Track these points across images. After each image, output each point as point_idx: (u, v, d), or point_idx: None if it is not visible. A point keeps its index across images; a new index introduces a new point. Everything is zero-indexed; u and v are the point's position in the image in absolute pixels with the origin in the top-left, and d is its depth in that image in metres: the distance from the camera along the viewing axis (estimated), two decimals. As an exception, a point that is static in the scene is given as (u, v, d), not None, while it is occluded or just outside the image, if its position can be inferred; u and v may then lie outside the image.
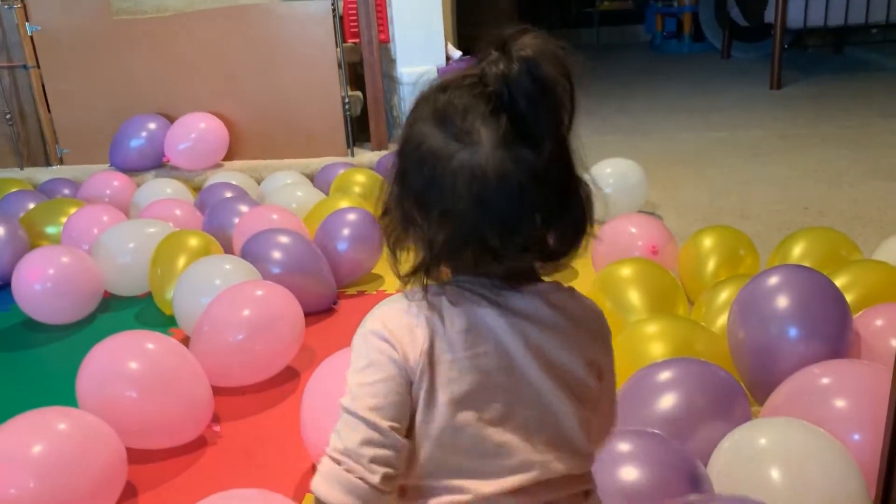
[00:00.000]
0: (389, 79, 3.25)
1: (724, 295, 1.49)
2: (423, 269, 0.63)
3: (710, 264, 1.75)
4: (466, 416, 0.63)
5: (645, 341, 1.34)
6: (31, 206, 2.59)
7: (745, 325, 1.32)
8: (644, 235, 1.87)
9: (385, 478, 0.62)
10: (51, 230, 2.43)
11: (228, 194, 2.52)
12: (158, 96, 3.10)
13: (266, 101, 3.03)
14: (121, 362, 1.37)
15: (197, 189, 2.78)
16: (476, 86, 0.60)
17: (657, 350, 1.30)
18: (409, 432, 0.63)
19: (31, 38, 3.09)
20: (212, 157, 3.05)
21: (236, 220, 2.22)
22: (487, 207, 0.59)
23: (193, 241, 2.02)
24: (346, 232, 2.07)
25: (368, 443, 0.62)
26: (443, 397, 0.62)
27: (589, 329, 0.68)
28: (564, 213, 0.62)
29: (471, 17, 5.18)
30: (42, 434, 1.18)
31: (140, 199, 2.61)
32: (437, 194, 0.60)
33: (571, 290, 0.69)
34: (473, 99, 0.60)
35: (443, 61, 3.12)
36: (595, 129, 4.04)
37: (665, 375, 1.14)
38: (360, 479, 0.61)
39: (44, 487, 1.14)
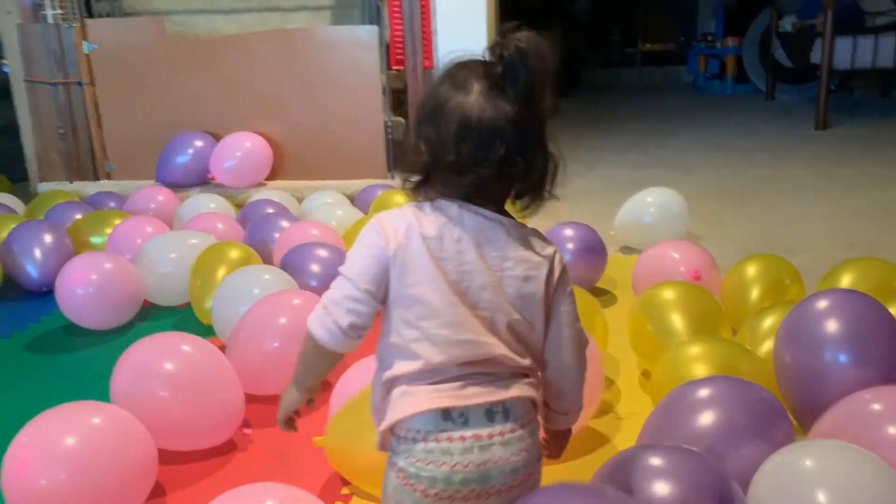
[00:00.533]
0: (432, 105, 3.28)
1: (770, 321, 1.45)
2: (421, 185, 0.86)
3: (755, 292, 1.71)
4: (425, 292, 0.82)
5: (688, 363, 1.31)
6: (78, 216, 2.65)
7: (793, 349, 1.28)
8: (686, 261, 1.84)
9: (352, 325, 0.83)
10: (95, 240, 2.48)
11: (270, 210, 2.55)
12: (206, 115, 3.17)
13: (310, 123, 3.07)
14: (156, 362, 1.38)
15: (239, 206, 2.82)
16: (480, 62, 0.84)
17: (700, 372, 1.27)
18: (385, 299, 0.84)
19: (88, 56, 3.19)
20: (255, 176, 3.10)
21: (277, 235, 2.24)
22: (467, 131, 0.81)
23: (234, 253, 2.04)
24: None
25: (348, 297, 0.84)
26: (411, 277, 0.82)
27: (532, 254, 0.86)
28: (528, 163, 0.83)
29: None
30: (76, 427, 1.18)
31: (184, 212, 2.65)
32: (435, 125, 0.83)
33: (524, 227, 0.87)
34: (476, 69, 0.84)
35: (486, 89, 3.14)
36: (636, 164, 4.03)
37: (704, 392, 1.11)
38: (334, 321, 0.83)
39: (75, 480, 1.13)
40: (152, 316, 2.15)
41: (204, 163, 3.07)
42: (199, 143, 3.10)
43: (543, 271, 0.86)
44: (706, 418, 1.07)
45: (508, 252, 0.84)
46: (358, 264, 0.84)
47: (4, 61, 3.61)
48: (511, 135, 0.81)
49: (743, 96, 6.82)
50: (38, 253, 2.29)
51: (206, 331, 1.92)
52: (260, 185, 3.12)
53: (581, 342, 0.90)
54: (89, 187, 3.19)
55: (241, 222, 2.53)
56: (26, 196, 3.26)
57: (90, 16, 3.35)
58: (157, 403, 1.34)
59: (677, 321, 1.52)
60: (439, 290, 0.82)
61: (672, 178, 3.46)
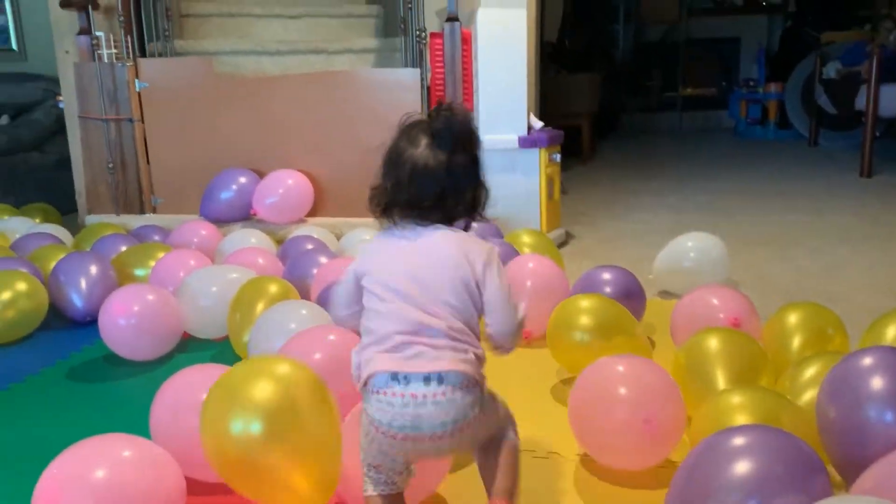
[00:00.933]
0: (471, 146, 3.31)
1: (812, 370, 1.42)
2: (383, 214, 1.16)
3: (796, 341, 1.67)
4: (382, 280, 1.12)
5: (729, 412, 1.28)
6: (124, 248, 2.71)
7: (837, 405, 1.25)
8: (726, 307, 1.81)
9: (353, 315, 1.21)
10: (139, 272, 2.53)
11: (309, 246, 2.58)
12: (250, 152, 3.24)
13: (351, 162, 3.12)
14: (194, 393, 1.39)
15: (280, 242, 2.86)
16: (424, 124, 1.15)
17: (740, 421, 1.24)
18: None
19: (139, 94, 3.30)
20: (297, 213, 3.15)
21: (315, 271, 2.27)
22: (415, 177, 1.12)
23: (273, 288, 2.07)
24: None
25: (342, 300, 1.23)
26: (377, 273, 1.14)
27: (466, 248, 1.13)
28: (459, 195, 1.14)
29: (554, 91, 5.29)
30: (105, 460, 1.19)
31: (225, 247, 2.70)
32: (394, 170, 1.14)
33: (462, 232, 1.17)
34: (423, 127, 1.15)
35: (524, 130, 3.17)
36: (676, 208, 4.00)
37: (741, 441, 1.08)
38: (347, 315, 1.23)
39: None
40: (191, 348, 2.18)
41: (247, 199, 3.13)
42: (242, 180, 3.16)
43: (475, 260, 1.13)
44: (741, 467, 1.04)
45: (447, 251, 1.12)
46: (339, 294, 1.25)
47: (60, 98, 3.75)
48: (445, 177, 1.12)
49: (785, 142, 6.76)
50: (83, 283, 2.35)
51: (243, 364, 1.94)
52: (301, 221, 3.17)
53: (508, 311, 1.16)
54: (135, 220, 3.28)
55: (280, 258, 2.57)
56: (74, 228, 3.36)
57: (143, 55, 3.47)
58: (194, 434, 1.35)
59: (720, 369, 1.49)
60: (393, 279, 1.12)
61: (712, 223, 3.43)
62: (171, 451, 1.34)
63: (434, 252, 1.12)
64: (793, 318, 1.72)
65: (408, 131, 1.16)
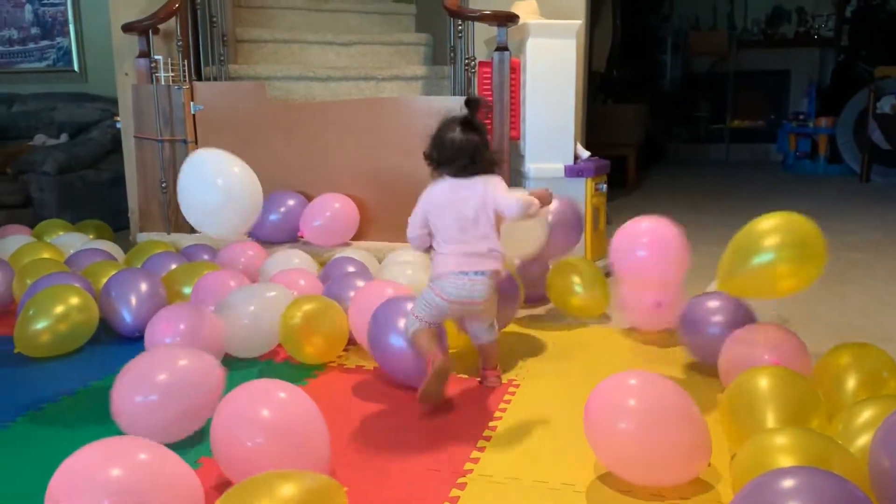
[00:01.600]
0: (516, 173, 3.32)
1: (867, 414, 1.38)
2: (434, 170, 1.92)
3: (849, 384, 1.62)
4: (441, 215, 1.89)
5: (774, 452, 1.25)
6: (173, 266, 2.77)
7: (891, 453, 1.21)
8: (773, 346, 1.77)
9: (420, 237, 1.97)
10: (187, 290, 2.58)
11: (350, 269, 2.61)
12: (299, 176, 3.30)
13: (397, 187, 3.15)
14: (253, 409, 1.43)
15: (323, 263, 2.90)
16: (458, 118, 1.89)
17: (786, 462, 1.21)
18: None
19: (194, 116, 3.39)
20: (342, 235, 3.18)
21: (352, 294, 2.29)
22: (455, 150, 1.87)
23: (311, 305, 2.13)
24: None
25: (416, 226, 1.96)
26: (436, 212, 1.90)
27: (483, 188, 1.87)
28: (481, 159, 1.87)
29: (601, 120, 5.27)
30: (120, 460, 1.21)
31: (269, 267, 2.74)
32: (439, 146, 1.89)
33: (479, 178, 1.89)
34: (456, 122, 1.89)
35: (571, 159, 3.16)
36: (725, 240, 3.94)
37: (790, 483, 1.05)
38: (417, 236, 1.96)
39: None
40: (235, 366, 2.20)
41: (294, 221, 3.18)
42: (290, 202, 3.21)
43: (487, 191, 1.86)
44: (793, 512, 1.01)
45: (473, 190, 1.87)
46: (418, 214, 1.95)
47: (118, 118, 3.87)
48: (471, 149, 1.86)
49: (835, 177, 6.63)
50: (133, 300, 2.40)
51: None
52: (345, 244, 3.20)
53: (510, 199, 1.86)
54: (185, 239, 3.34)
55: (322, 279, 2.60)
56: (126, 245, 3.44)
57: (199, 79, 3.56)
58: (252, 451, 1.39)
59: (770, 408, 1.46)
60: (446, 218, 1.88)
61: (760, 258, 3.36)
62: (228, 463, 1.37)
63: (467, 194, 1.87)
64: (845, 359, 1.67)
65: (448, 122, 1.89)
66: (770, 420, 1.45)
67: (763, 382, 1.52)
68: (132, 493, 1.17)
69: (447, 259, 1.86)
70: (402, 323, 1.95)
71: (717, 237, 4.05)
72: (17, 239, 3.33)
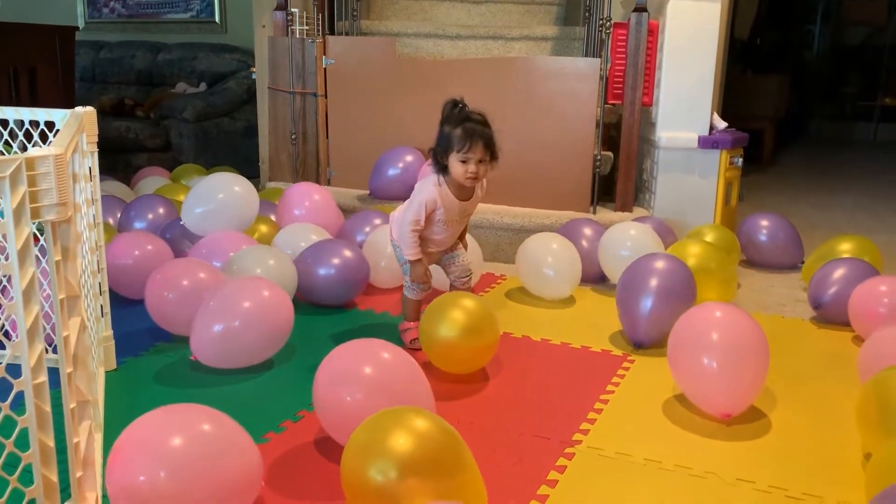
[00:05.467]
0: (645, 141, 3.20)
1: None
2: (440, 168, 1.97)
3: None
4: (438, 214, 1.99)
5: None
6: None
7: None
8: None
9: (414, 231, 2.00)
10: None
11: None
12: (421, 133, 3.29)
13: (519, 149, 3.09)
14: (357, 365, 1.45)
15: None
16: (464, 113, 1.95)
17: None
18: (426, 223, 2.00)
19: (325, 70, 3.44)
20: (459, 196, 3.16)
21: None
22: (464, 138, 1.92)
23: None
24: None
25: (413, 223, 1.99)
26: (437, 212, 1.99)
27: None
28: (490, 153, 1.95)
29: (739, 91, 4.99)
30: (181, 429, 1.18)
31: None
32: (446, 142, 1.93)
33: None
34: (463, 111, 1.95)
35: (706, 129, 3.00)
36: (866, 227, 3.66)
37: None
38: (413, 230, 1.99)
39: (174, 482, 1.12)
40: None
41: (412, 178, 3.18)
42: (409, 158, 3.22)
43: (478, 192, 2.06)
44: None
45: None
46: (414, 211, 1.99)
47: (253, 69, 3.99)
48: (485, 138, 1.92)
49: None
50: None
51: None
52: (463, 205, 3.18)
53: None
54: (310, 190, 3.42)
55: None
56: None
57: (332, 33, 3.62)
58: (352, 405, 1.40)
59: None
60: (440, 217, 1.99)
61: (908, 247, 3.10)
62: (330, 418, 1.39)
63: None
64: None
65: (450, 117, 1.95)
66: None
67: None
68: (188, 467, 1.14)
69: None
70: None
71: (860, 223, 3.78)
72: (155, 180, 3.52)
